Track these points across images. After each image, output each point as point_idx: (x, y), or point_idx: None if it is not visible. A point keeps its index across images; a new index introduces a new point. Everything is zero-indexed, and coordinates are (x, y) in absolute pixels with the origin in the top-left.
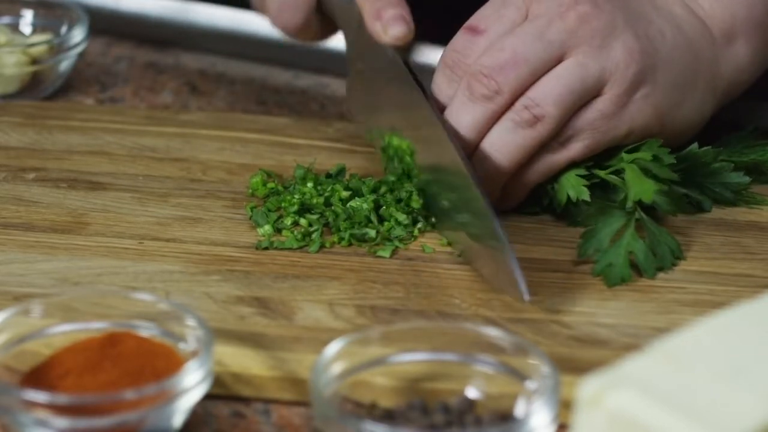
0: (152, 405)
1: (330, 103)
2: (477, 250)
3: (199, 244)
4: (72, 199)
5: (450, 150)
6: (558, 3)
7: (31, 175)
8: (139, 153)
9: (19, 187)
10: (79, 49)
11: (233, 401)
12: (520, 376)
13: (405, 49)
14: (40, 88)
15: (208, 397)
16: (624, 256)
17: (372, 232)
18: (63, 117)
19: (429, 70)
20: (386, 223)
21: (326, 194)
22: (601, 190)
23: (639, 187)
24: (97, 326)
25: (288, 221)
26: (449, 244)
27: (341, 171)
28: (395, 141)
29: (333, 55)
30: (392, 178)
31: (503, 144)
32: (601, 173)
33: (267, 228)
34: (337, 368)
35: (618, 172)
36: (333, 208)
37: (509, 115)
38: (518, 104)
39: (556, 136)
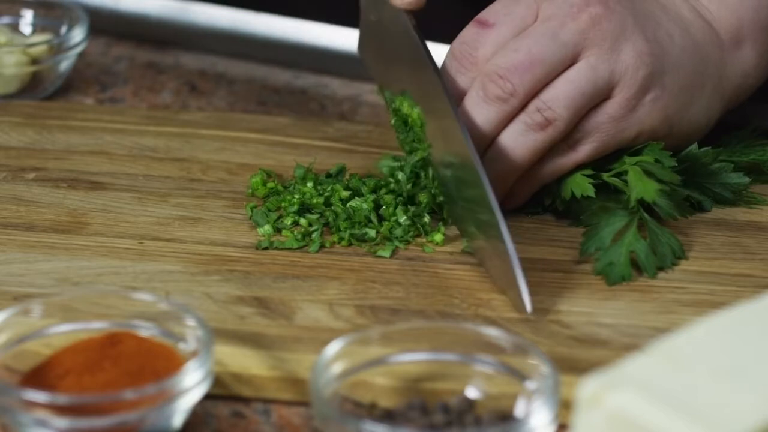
0: (152, 405)
1: (330, 103)
2: (484, 245)
3: (199, 244)
4: (72, 199)
5: (457, 130)
6: (569, 4)
7: (31, 175)
8: (139, 153)
9: (19, 187)
10: (79, 49)
11: (233, 401)
12: (520, 376)
13: (417, 16)
14: (40, 88)
15: (208, 397)
16: (625, 255)
17: (372, 232)
18: (63, 117)
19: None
20: (386, 223)
21: (326, 194)
22: (604, 193)
23: (641, 187)
24: (97, 326)
25: (288, 221)
26: (464, 241)
27: (341, 171)
28: (406, 107)
29: (333, 55)
30: (407, 151)
31: (515, 145)
32: (604, 176)
33: (267, 228)
34: (337, 368)
35: (621, 175)
36: (333, 208)
37: (522, 118)
38: (531, 106)
39: (565, 139)
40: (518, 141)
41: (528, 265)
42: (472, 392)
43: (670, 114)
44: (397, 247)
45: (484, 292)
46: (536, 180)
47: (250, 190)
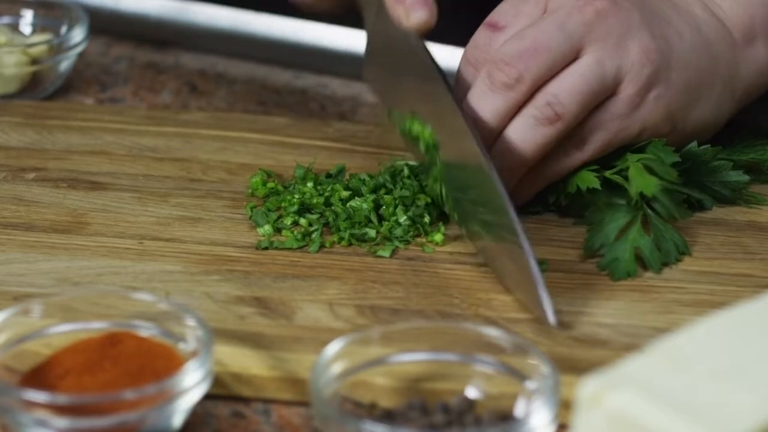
0: (152, 405)
1: (330, 103)
2: (492, 246)
3: (199, 244)
4: (72, 199)
5: (472, 145)
6: None
7: (31, 175)
8: (139, 153)
9: (19, 187)
10: (78, 49)
11: (233, 401)
12: (520, 376)
13: (427, 36)
14: (40, 88)
15: (208, 397)
16: (630, 250)
17: (372, 232)
18: (63, 117)
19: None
20: (386, 223)
21: (326, 194)
22: (608, 191)
23: (641, 182)
24: (97, 326)
25: (288, 221)
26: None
27: (341, 171)
28: (416, 127)
29: (333, 55)
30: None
31: (523, 139)
32: (606, 173)
33: (267, 228)
34: (337, 368)
35: (623, 173)
36: (333, 208)
37: (530, 111)
38: (540, 100)
39: (570, 137)
40: (527, 135)
41: None
42: (472, 392)
43: (673, 111)
44: (397, 247)
45: (484, 292)
46: (541, 178)
47: (250, 190)
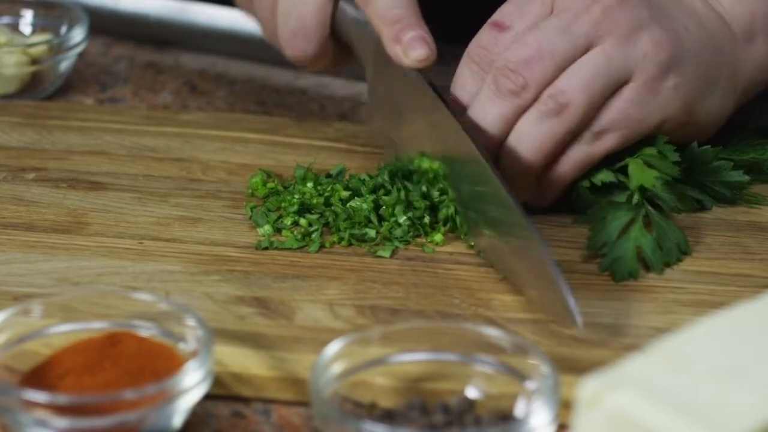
0: (152, 405)
1: (330, 103)
2: (521, 272)
3: (199, 244)
4: (72, 199)
5: (484, 168)
6: None
7: (31, 175)
8: (139, 153)
9: (19, 187)
10: (78, 49)
11: (233, 401)
12: (520, 376)
13: (427, 71)
14: (40, 88)
15: (208, 397)
16: (632, 250)
17: (372, 232)
18: (63, 117)
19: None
20: (386, 223)
21: (326, 194)
22: (608, 190)
23: (641, 175)
24: (97, 326)
25: (288, 221)
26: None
27: (341, 171)
28: (426, 163)
29: None
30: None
31: (530, 136)
32: (604, 171)
33: (267, 228)
34: (337, 368)
35: (623, 170)
36: (333, 208)
37: (535, 107)
38: (544, 95)
39: (589, 128)
40: (533, 131)
41: None
42: (472, 392)
43: (689, 101)
44: (397, 247)
45: (484, 292)
46: (564, 175)
47: (250, 190)
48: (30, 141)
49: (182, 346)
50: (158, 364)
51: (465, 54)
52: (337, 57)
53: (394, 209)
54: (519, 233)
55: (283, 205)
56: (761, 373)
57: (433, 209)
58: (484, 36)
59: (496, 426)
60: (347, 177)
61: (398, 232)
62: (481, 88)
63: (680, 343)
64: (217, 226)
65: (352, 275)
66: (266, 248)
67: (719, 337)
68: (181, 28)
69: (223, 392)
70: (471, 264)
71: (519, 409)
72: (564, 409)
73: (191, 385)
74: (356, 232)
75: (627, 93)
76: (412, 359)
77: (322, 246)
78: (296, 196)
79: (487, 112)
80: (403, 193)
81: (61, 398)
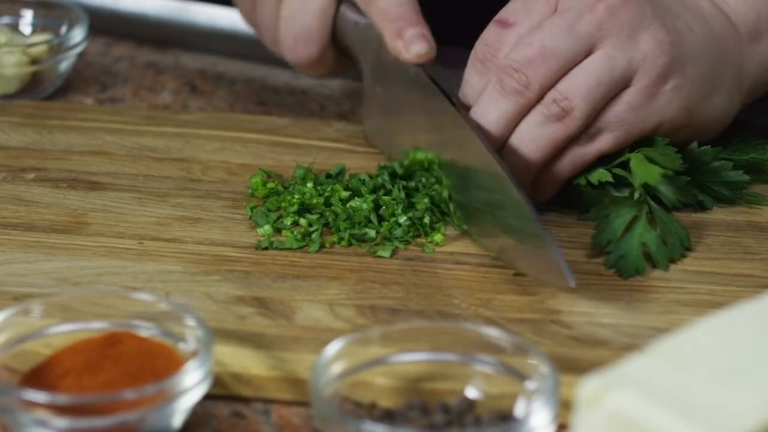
0: (152, 405)
1: (330, 103)
2: (514, 246)
3: (199, 244)
4: (72, 199)
5: (482, 150)
6: None
7: (31, 175)
8: (139, 153)
9: (19, 187)
10: (78, 49)
11: (233, 401)
12: (520, 376)
13: (426, 66)
14: (40, 88)
15: (207, 397)
16: (637, 247)
17: (372, 232)
18: (63, 117)
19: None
20: (386, 224)
21: (326, 194)
22: (610, 187)
23: (644, 172)
24: (97, 326)
25: (288, 221)
26: (481, 244)
27: (341, 171)
28: (419, 155)
29: None
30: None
31: (532, 138)
32: (602, 169)
33: (267, 228)
34: (337, 368)
35: (624, 166)
36: (333, 208)
37: (538, 109)
38: (547, 98)
39: (586, 129)
40: (535, 133)
41: None
42: (472, 392)
43: (690, 104)
44: (397, 247)
45: (484, 292)
46: (560, 174)
47: (250, 190)
48: (30, 141)
49: (182, 346)
50: (158, 364)
51: (471, 53)
52: (336, 64)
53: (394, 209)
54: (514, 208)
55: (283, 205)
56: (761, 373)
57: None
58: (489, 33)
59: (496, 426)
60: (347, 177)
61: (398, 232)
62: (486, 88)
63: (680, 343)
64: (217, 226)
65: (352, 275)
66: (266, 248)
67: (719, 337)
68: (181, 28)
69: (223, 392)
70: (471, 264)
71: (519, 409)
72: (564, 409)
73: (191, 385)
74: (356, 232)
75: (627, 97)
76: (412, 359)
77: (322, 246)
78: (296, 196)
79: (491, 111)
80: (403, 193)
81: (61, 398)
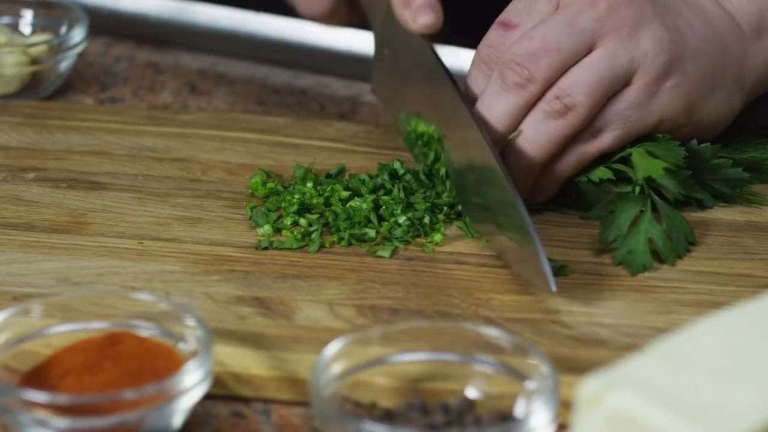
0: (152, 405)
1: (330, 103)
2: (504, 241)
3: (199, 244)
4: (72, 199)
5: (478, 136)
6: None
7: (31, 175)
8: (139, 153)
9: (19, 187)
10: (78, 49)
11: (233, 401)
12: (519, 376)
13: (433, 38)
14: (40, 88)
15: (207, 397)
16: (643, 242)
17: (372, 232)
18: (63, 117)
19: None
20: (386, 223)
21: (326, 194)
22: (612, 184)
23: (647, 166)
24: (97, 326)
25: (288, 221)
26: (478, 236)
27: (341, 171)
28: (421, 127)
29: (333, 55)
30: (424, 168)
31: (535, 135)
32: (603, 166)
33: (267, 228)
34: (336, 368)
35: (625, 161)
36: (333, 208)
37: (540, 106)
38: (549, 94)
39: (587, 128)
40: (538, 130)
41: None
42: (472, 392)
43: (691, 102)
44: (396, 247)
45: (484, 292)
46: (561, 172)
47: (250, 190)
48: (30, 141)
49: (182, 346)
50: (158, 364)
51: (475, 54)
52: (349, 15)
53: (393, 209)
54: (505, 198)
55: (283, 205)
56: (761, 373)
57: (433, 209)
58: (492, 35)
59: (496, 426)
60: (347, 177)
61: (398, 232)
62: (488, 84)
63: (680, 343)
64: (217, 226)
65: (352, 275)
66: (266, 248)
67: (719, 337)
68: (181, 28)
69: (223, 392)
70: (471, 264)
71: (519, 409)
72: (564, 409)
73: (191, 385)
74: (356, 232)
75: (627, 95)
76: (412, 359)
77: (322, 246)
78: (296, 196)
79: (494, 107)
80: (403, 193)
81: (61, 398)
